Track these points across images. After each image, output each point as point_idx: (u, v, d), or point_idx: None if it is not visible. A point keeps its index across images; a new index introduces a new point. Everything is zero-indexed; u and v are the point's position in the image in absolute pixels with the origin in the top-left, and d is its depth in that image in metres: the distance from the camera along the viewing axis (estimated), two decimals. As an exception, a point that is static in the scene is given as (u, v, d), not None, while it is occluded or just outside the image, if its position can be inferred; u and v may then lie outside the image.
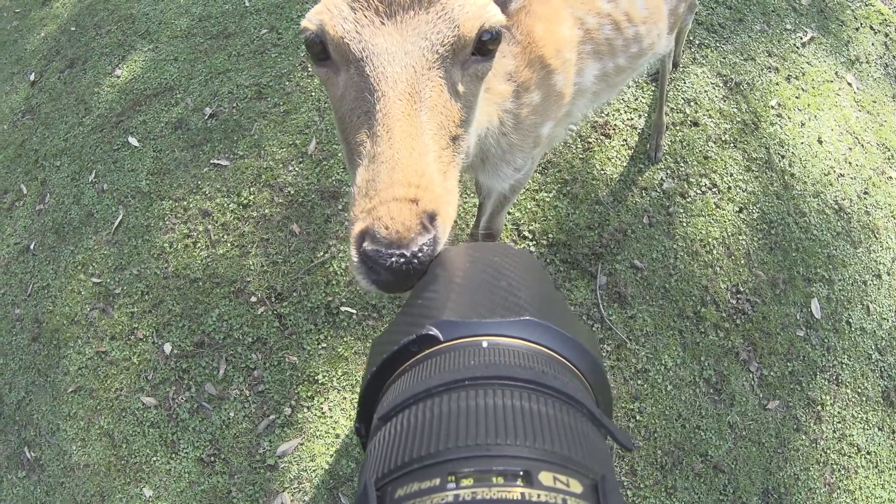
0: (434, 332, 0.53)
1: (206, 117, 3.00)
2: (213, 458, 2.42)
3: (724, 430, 2.41)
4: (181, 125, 3.02)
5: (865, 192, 2.89)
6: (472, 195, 2.69)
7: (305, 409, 2.44)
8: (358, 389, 2.45)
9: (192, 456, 2.43)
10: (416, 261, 0.71)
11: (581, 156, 2.79)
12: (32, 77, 3.48)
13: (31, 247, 2.96)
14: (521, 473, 0.37)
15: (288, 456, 2.38)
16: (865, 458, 2.49)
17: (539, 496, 0.36)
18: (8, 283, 2.95)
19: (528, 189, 2.74)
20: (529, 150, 1.57)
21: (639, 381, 2.44)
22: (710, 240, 2.67)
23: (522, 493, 0.36)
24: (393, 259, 0.70)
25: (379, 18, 0.83)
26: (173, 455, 2.45)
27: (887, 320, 2.68)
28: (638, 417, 2.39)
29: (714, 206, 2.73)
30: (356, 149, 0.82)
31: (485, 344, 0.51)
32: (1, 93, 3.55)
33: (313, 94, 3.00)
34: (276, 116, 2.95)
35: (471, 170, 1.61)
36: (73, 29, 3.58)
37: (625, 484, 2.32)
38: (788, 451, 2.44)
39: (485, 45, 0.88)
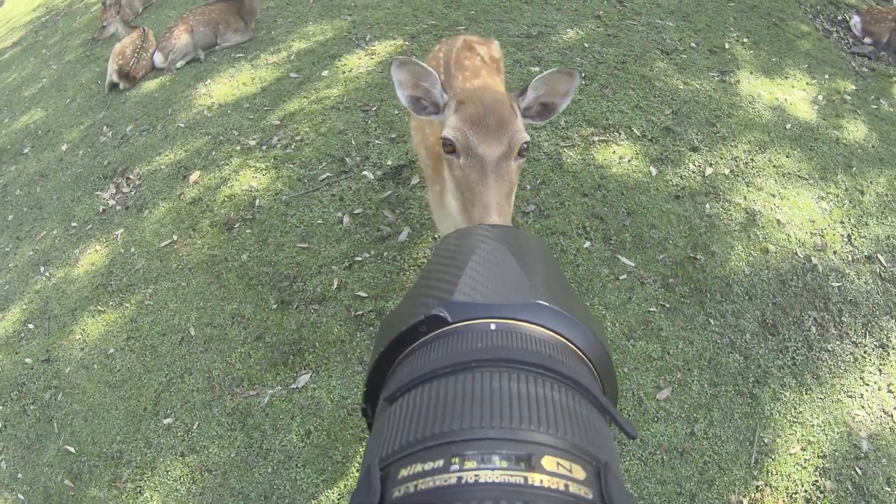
0: (443, 313, 0.53)
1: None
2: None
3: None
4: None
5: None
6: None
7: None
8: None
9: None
10: None
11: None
12: None
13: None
14: (525, 457, 0.38)
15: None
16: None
17: (542, 481, 0.36)
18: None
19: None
20: None
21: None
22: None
23: (525, 477, 0.36)
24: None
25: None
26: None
27: None
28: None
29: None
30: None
31: (493, 326, 0.52)
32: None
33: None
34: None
35: None
36: None
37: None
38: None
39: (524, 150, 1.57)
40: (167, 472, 2.88)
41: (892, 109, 4.73)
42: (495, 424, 0.40)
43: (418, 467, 0.38)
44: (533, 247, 0.70)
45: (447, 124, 1.57)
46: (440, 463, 0.38)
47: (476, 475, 0.36)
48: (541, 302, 0.54)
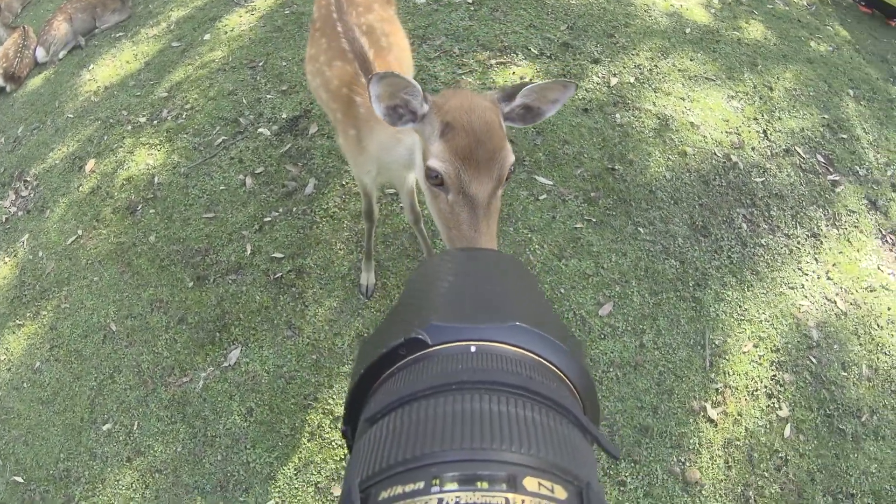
0: (422, 335, 0.54)
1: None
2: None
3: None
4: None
5: None
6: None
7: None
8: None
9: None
10: None
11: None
12: None
13: None
14: (506, 478, 0.38)
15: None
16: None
17: (523, 501, 0.36)
18: None
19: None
20: None
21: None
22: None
23: (506, 498, 0.36)
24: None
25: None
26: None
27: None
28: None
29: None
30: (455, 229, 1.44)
31: (473, 349, 0.52)
32: None
33: None
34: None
35: None
36: None
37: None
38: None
39: (510, 174, 1.49)
40: (117, 481, 2.75)
41: (787, 8, 4.84)
42: (476, 446, 0.40)
43: (399, 489, 0.38)
44: (511, 268, 0.71)
45: (432, 152, 1.47)
46: (421, 485, 0.38)
47: (457, 497, 0.36)
48: (520, 324, 0.54)
